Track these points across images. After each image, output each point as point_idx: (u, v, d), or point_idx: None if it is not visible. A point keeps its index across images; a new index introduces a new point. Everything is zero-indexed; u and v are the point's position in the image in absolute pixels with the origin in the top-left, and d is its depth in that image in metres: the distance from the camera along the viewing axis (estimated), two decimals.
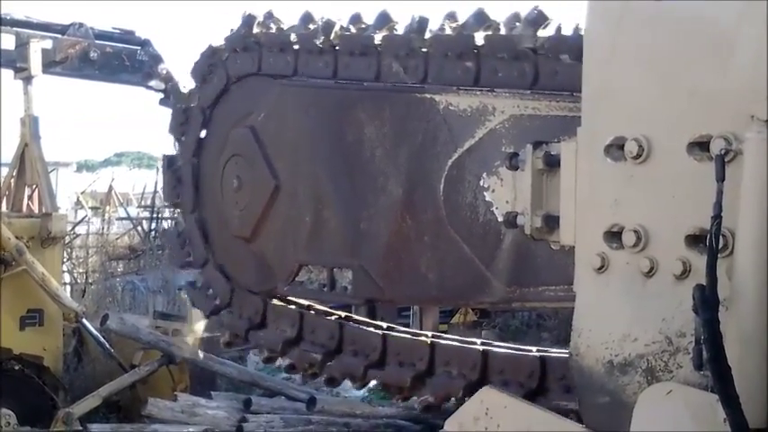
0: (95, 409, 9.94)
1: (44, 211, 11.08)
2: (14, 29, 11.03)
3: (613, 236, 2.28)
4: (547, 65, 3.14)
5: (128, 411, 10.39)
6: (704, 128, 2.07)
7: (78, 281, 18.89)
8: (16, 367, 9.83)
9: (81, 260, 19.97)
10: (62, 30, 11.38)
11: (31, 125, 11.38)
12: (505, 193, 2.85)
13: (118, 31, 11.92)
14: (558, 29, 3.19)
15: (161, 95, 11.55)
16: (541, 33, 3.19)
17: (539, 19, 3.22)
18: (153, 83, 11.64)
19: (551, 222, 2.58)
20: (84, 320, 10.56)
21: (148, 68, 11.58)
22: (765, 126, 1.93)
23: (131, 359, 10.71)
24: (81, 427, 9.36)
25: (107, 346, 10.68)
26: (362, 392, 11.09)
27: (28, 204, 11.69)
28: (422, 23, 3.52)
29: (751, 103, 1.96)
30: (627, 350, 2.26)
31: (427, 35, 3.47)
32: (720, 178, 1.94)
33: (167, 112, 4.80)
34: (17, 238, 9.96)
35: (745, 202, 1.94)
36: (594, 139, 2.33)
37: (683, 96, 2.14)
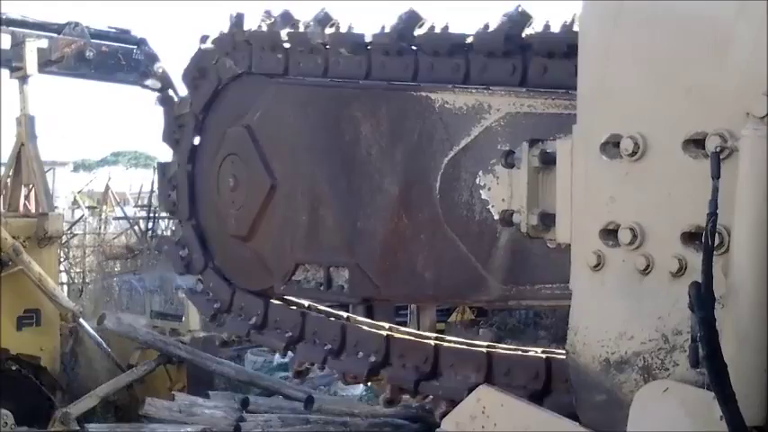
0: (93, 408, 9.94)
1: (41, 210, 11.07)
2: (10, 28, 11.02)
3: (609, 233, 2.28)
4: (332, 57, 3.77)
5: (125, 411, 10.39)
6: (700, 125, 2.07)
7: (75, 280, 18.90)
8: (13, 367, 9.83)
9: (78, 260, 19.98)
10: (58, 29, 11.36)
11: (27, 125, 11.37)
12: (501, 191, 2.85)
13: (114, 31, 11.91)
14: (338, 26, 3.83)
15: (157, 94, 11.55)
16: (328, 31, 3.82)
17: (325, 19, 3.87)
18: (149, 82, 11.64)
19: (547, 220, 2.58)
20: (82, 320, 10.55)
21: (144, 67, 11.59)
22: (761, 123, 1.93)
23: (128, 359, 10.71)
24: (78, 427, 9.36)
25: (104, 345, 10.67)
26: (360, 391, 11.11)
27: (25, 204, 11.68)
28: (239, 19, 4.19)
29: (747, 101, 1.96)
30: (623, 348, 2.26)
31: (246, 30, 4.13)
32: (716, 175, 1.94)
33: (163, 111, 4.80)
34: (14, 237, 9.95)
35: (741, 200, 1.94)
36: (590, 136, 2.33)
37: (679, 94, 2.13)
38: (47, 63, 11.25)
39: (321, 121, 3.84)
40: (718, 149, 1.99)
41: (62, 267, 17.22)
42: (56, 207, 13.32)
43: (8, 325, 9.94)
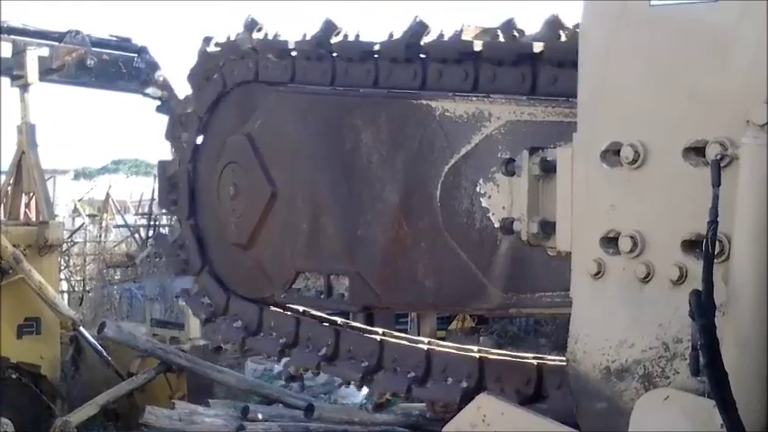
0: (93, 417, 9.92)
1: (41, 218, 11.06)
2: (11, 36, 11.02)
3: (610, 241, 2.28)
4: (261, 62, 4.06)
5: (125, 419, 10.37)
6: (700, 133, 2.07)
7: (76, 289, 18.88)
8: (14, 376, 9.80)
9: (78, 268, 19.95)
10: (59, 37, 11.37)
11: (28, 133, 11.37)
12: (502, 199, 2.85)
13: (115, 39, 11.92)
14: (266, 33, 4.09)
15: (158, 103, 11.58)
16: (255, 36, 4.09)
17: (252, 24, 4.13)
18: (150, 90, 11.65)
19: (548, 228, 2.58)
20: (82, 328, 10.53)
21: (145, 76, 11.60)
22: (761, 131, 1.93)
23: (129, 367, 10.68)
24: None
25: (104, 354, 10.65)
26: (360, 399, 11.09)
27: (25, 212, 11.67)
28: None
29: (747, 108, 1.96)
30: (624, 356, 2.26)
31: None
32: (716, 183, 1.94)
33: (164, 119, 4.82)
34: (14, 246, 9.93)
35: (741, 207, 1.94)
36: (590, 144, 2.33)
37: (679, 102, 2.14)
38: (48, 71, 11.25)
39: (321, 128, 3.85)
40: (718, 157, 1.99)
41: (62, 275, 17.20)
42: (56, 215, 13.32)
43: (8, 333, 9.92)
